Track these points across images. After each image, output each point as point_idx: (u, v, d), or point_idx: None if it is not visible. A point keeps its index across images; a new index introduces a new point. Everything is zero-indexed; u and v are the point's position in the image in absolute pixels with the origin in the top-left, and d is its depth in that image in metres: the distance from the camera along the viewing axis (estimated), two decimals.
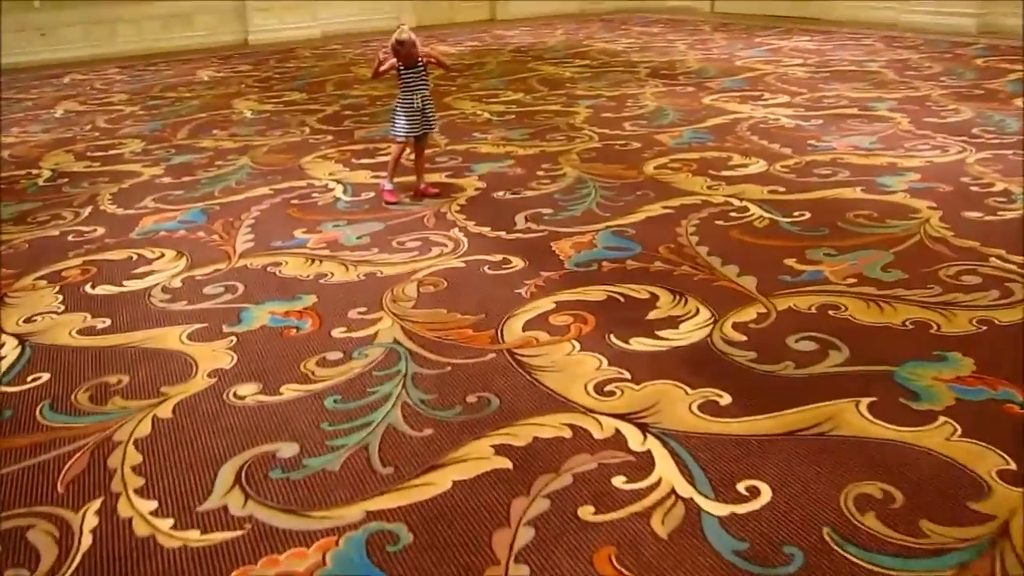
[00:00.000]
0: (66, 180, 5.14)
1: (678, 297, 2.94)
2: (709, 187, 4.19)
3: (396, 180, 4.32)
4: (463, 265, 3.37)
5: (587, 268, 3.26)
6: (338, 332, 2.85)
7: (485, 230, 3.76)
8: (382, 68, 4.10)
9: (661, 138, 5.26)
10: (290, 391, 2.49)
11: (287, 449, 2.20)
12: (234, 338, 2.86)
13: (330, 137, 5.84)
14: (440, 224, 3.89)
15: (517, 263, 3.35)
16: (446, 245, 3.59)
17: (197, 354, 2.76)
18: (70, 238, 4.02)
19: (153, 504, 2.03)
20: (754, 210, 3.81)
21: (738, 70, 7.67)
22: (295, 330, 2.89)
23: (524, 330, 2.78)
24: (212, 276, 3.42)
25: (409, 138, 4.19)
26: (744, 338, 2.64)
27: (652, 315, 2.83)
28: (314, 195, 4.47)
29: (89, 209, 4.49)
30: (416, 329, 2.83)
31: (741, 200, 3.95)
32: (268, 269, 3.45)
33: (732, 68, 7.79)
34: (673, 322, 2.77)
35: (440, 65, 4.37)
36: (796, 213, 3.74)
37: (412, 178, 4.38)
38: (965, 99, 6.00)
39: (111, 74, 9.94)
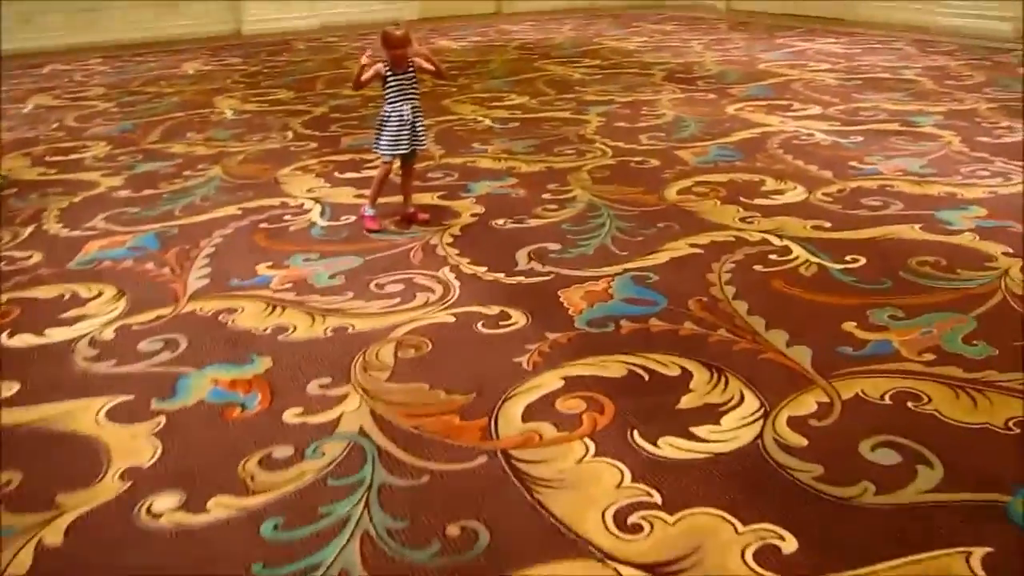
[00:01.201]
0: (14, 191, 4.56)
1: (716, 375, 2.37)
2: (742, 219, 3.61)
3: (381, 200, 3.75)
4: (452, 319, 2.80)
5: (602, 328, 2.69)
6: (292, 414, 2.28)
7: (481, 270, 3.19)
8: (364, 77, 3.50)
9: (683, 155, 4.69)
10: (220, 508, 1.93)
11: None
12: (162, 419, 2.29)
13: (313, 145, 5.27)
14: (428, 260, 3.31)
15: (517, 319, 2.78)
16: (433, 291, 3.02)
17: (113, 441, 2.20)
18: (0, 266, 3.45)
19: None
20: (797, 252, 3.24)
21: (761, 75, 7.09)
22: (240, 409, 2.32)
23: (524, 419, 2.21)
24: (152, 326, 2.86)
25: (396, 157, 3.61)
26: (804, 442, 2.07)
27: (685, 401, 2.26)
28: (287, 217, 3.90)
29: (31, 228, 3.92)
30: (389, 413, 2.26)
31: (781, 238, 3.37)
32: (220, 318, 2.89)
33: (755, 72, 7.20)
34: (712, 414, 2.20)
35: (434, 73, 3.75)
36: (848, 258, 3.16)
37: (399, 199, 3.80)
38: (1017, 114, 5.41)
39: (93, 65, 9.36)
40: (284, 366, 2.54)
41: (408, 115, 3.52)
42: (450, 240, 3.52)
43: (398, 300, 2.96)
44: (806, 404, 2.22)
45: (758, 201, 3.85)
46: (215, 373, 2.52)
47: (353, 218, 3.82)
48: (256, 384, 2.44)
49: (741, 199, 3.89)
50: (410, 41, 3.49)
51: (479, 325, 2.74)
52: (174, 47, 10.33)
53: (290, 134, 5.59)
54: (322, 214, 3.92)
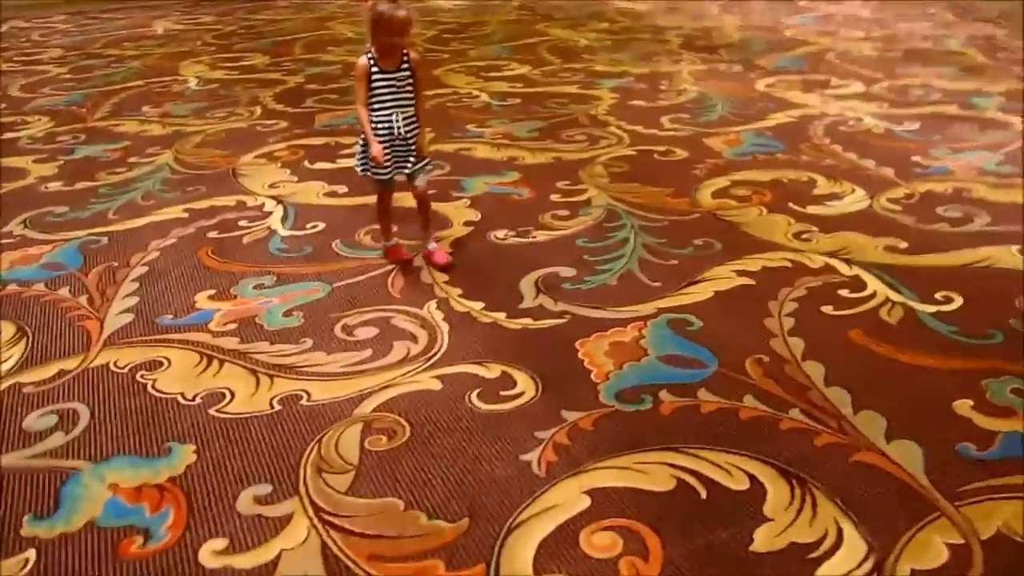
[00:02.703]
0: None
1: (798, 492, 1.73)
2: (796, 235, 2.95)
3: (362, 202, 3.06)
4: (438, 386, 2.14)
5: (636, 405, 2.03)
6: (211, 552, 1.64)
7: (476, 307, 2.52)
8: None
9: (713, 144, 4.00)
10: None
11: None
12: (31, 556, 1.64)
13: (284, 123, 4.57)
14: (410, 290, 2.65)
15: (524, 387, 2.12)
16: (415, 338, 2.36)
17: None
18: None
19: None
20: (873, 285, 2.58)
21: (790, 43, 6.36)
22: (141, 540, 1.68)
23: (537, 568, 1.56)
24: (50, 387, 2.20)
25: (390, 180, 2.75)
26: None
27: (761, 539, 1.61)
28: (242, 223, 3.22)
29: None
30: (348, 552, 1.62)
31: (849, 264, 2.71)
32: (138, 377, 2.23)
33: (782, 41, 6.47)
34: (802, 565, 1.56)
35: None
36: (939, 295, 2.51)
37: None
38: None
39: (56, 22, 8.60)
40: (211, 461, 1.89)
41: (399, 125, 2.63)
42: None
43: (369, 353, 2.30)
44: (932, 549, 1.58)
45: (812, 209, 3.18)
46: (117, 472, 1.86)
47: (320, 226, 3.15)
48: (170, 494, 1.79)
49: (791, 205, 3.22)
50: (410, 26, 2.58)
51: (473, 397, 2.09)
52: (147, 3, 9.52)
53: (258, 110, 4.89)
54: (284, 220, 3.24)
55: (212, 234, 3.13)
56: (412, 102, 2.65)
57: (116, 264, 2.90)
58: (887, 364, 2.18)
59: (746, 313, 2.44)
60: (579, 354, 2.25)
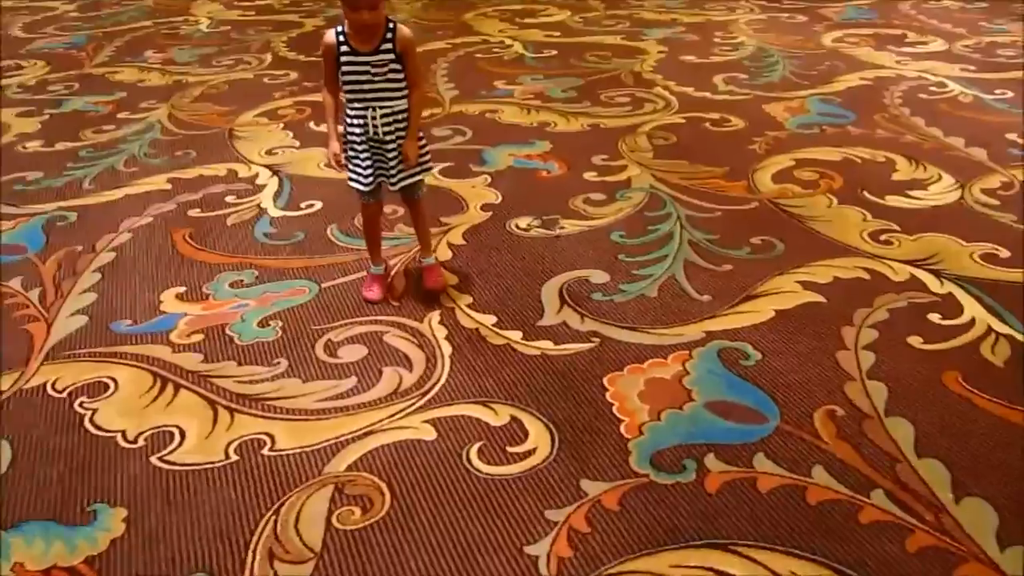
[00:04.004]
0: None
1: None
2: (873, 236, 2.48)
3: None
4: (431, 435, 1.74)
5: (675, 475, 1.62)
6: None
7: (487, 322, 2.11)
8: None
9: (773, 111, 3.50)
10: None
11: None
12: None
13: (294, 74, 4.14)
14: (411, 296, 2.24)
15: (537, 440, 1.71)
16: (410, 362, 1.96)
17: None
18: None
19: None
20: (972, 310, 2.12)
21: None
22: None
23: None
24: None
25: (373, 190, 2.13)
26: None
27: None
28: (229, 199, 2.83)
29: None
30: None
31: (940, 279, 2.24)
32: (77, 405, 1.86)
33: None
34: None
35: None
36: None
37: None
38: None
39: None
40: (142, 535, 1.52)
41: (376, 125, 2.01)
42: (448, 255, 2.43)
43: (353, 383, 1.90)
44: None
45: (891, 200, 2.70)
46: (27, 545, 1.50)
47: (317, 206, 2.75)
48: None
49: (865, 195, 2.74)
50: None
51: (473, 453, 1.68)
52: None
53: (268, 57, 4.47)
54: (277, 196, 2.84)
55: (193, 212, 2.74)
56: (398, 95, 2.00)
57: (80, 249, 2.53)
58: (994, 425, 1.74)
59: (815, 343, 1.99)
60: (607, 395, 1.84)
